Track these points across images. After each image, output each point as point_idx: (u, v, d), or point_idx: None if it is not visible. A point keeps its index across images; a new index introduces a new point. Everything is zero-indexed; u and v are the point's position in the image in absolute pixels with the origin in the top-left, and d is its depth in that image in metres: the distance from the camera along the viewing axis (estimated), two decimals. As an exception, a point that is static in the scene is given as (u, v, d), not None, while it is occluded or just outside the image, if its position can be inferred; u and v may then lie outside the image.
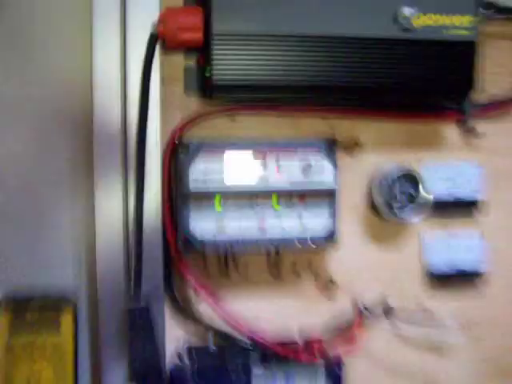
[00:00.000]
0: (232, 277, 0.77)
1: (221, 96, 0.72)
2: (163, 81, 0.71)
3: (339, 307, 0.80)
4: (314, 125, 0.78)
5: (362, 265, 0.80)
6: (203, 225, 0.73)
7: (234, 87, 0.68)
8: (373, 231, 0.81)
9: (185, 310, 0.76)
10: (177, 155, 0.72)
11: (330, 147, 0.78)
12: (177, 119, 0.74)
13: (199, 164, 0.74)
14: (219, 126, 0.76)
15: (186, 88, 0.75)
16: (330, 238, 0.75)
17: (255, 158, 0.76)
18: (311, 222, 0.75)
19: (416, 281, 0.82)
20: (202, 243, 0.72)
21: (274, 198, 0.77)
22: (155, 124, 0.70)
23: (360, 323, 0.79)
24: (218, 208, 0.76)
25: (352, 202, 0.80)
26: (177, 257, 0.74)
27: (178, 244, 0.75)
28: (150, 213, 0.71)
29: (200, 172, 0.75)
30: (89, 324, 0.72)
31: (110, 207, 0.71)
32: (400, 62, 0.70)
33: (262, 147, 0.73)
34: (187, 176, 0.74)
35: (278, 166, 0.76)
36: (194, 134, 0.74)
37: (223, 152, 0.72)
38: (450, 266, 0.82)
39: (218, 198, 0.73)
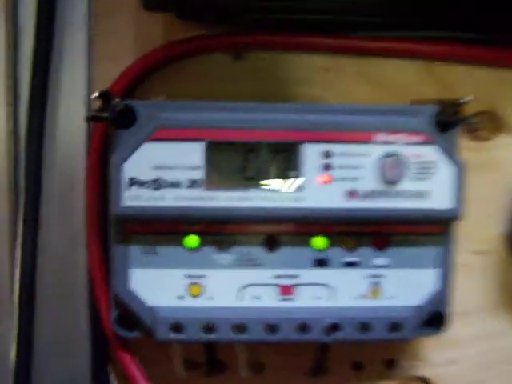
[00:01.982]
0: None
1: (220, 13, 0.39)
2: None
3: None
4: (405, 74, 0.42)
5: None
6: (160, 282, 0.37)
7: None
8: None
9: None
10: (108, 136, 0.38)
11: (444, 126, 0.36)
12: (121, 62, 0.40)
13: (152, 154, 0.35)
14: (206, 73, 0.42)
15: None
16: (439, 323, 0.38)
17: (273, 149, 0.35)
18: (399, 290, 0.38)
19: None
20: (159, 320, 0.37)
21: (318, 238, 0.36)
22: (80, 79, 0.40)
23: None
24: (190, 244, 0.36)
25: (481, 237, 0.41)
26: (114, 341, 0.40)
27: (112, 320, 0.37)
28: (63, 258, 0.41)
29: (152, 171, 0.34)
30: None
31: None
32: None
33: (293, 125, 0.36)
34: (121, 180, 0.33)
35: (328, 168, 0.35)
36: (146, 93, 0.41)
37: (206, 133, 0.35)
38: None
39: (190, 227, 0.37)
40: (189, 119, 0.34)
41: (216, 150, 0.35)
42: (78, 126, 0.40)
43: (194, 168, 0.34)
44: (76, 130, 0.41)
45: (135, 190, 0.34)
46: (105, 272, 0.39)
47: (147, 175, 0.34)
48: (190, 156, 0.34)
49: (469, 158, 0.37)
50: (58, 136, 0.41)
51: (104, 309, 0.39)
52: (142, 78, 0.40)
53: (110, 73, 0.40)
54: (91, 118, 0.34)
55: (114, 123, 0.35)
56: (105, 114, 0.34)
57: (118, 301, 0.37)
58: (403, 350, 0.44)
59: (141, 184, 0.34)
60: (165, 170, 0.34)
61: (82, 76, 0.41)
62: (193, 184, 0.34)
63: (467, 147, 0.40)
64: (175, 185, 0.34)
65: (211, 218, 0.35)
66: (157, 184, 0.34)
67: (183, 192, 0.34)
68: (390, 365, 0.44)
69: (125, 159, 0.34)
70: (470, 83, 0.42)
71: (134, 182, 0.34)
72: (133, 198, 0.34)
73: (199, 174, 0.35)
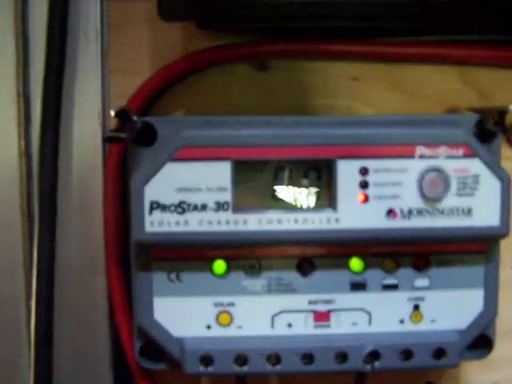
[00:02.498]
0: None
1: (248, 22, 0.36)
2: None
3: None
4: (438, 81, 0.40)
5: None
6: (187, 312, 0.35)
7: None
8: None
9: None
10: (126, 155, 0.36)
11: (486, 136, 0.34)
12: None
13: (175, 175, 0.32)
14: (229, 85, 0.39)
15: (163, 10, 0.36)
16: (486, 346, 0.37)
17: (305, 166, 0.33)
18: (441, 313, 0.35)
19: None
20: (187, 352, 0.34)
21: (355, 260, 0.34)
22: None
23: None
24: (218, 270, 0.34)
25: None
26: (137, 374, 0.38)
27: (136, 351, 0.35)
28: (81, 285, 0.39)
29: (175, 193, 0.32)
30: None
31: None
32: None
33: (326, 140, 0.33)
34: (143, 203, 0.31)
35: (365, 186, 0.33)
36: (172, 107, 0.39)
37: (233, 151, 0.33)
38: None
39: (217, 252, 0.34)
40: (213, 136, 0.32)
41: (243, 170, 0.32)
42: (94, 145, 0.38)
43: (220, 189, 0.32)
44: (91, 149, 0.38)
45: (158, 215, 0.32)
46: (126, 299, 0.37)
47: (170, 198, 0.32)
48: (215, 176, 0.32)
49: (509, 168, 0.34)
50: (72, 156, 0.38)
51: (127, 339, 0.37)
52: (161, 92, 0.38)
53: (126, 87, 0.38)
54: (109, 139, 0.32)
55: (134, 142, 0.33)
56: (123, 134, 0.32)
57: (142, 331, 0.35)
58: (443, 372, 0.42)
59: (164, 208, 0.32)
60: (189, 192, 0.32)
61: (96, 91, 0.38)
62: (219, 207, 0.32)
63: (507, 157, 0.38)
64: (200, 208, 0.32)
65: (239, 242, 0.33)
66: (181, 207, 0.32)
67: (209, 215, 0.32)
68: (430, 389, 0.42)
69: (146, 181, 0.32)
70: (509, 89, 0.39)
71: (156, 205, 0.32)
72: (155, 223, 0.32)
73: (226, 196, 0.32)
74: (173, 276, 0.34)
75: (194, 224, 0.32)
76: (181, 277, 0.34)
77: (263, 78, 0.39)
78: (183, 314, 0.34)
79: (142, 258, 0.34)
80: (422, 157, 0.32)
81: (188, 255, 0.34)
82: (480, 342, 0.36)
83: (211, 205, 0.32)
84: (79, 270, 0.39)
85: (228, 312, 0.34)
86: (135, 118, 0.32)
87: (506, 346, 0.40)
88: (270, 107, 0.38)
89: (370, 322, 0.35)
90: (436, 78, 0.40)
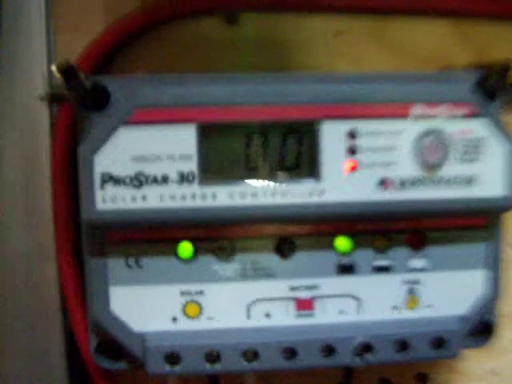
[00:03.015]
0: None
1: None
2: None
3: None
4: (430, 36, 0.36)
5: None
6: (149, 302, 0.30)
7: None
8: None
9: None
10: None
11: (492, 93, 0.29)
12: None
13: (130, 142, 0.27)
14: (195, 41, 0.34)
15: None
16: (487, 333, 0.33)
17: (283, 130, 0.28)
18: (441, 298, 0.31)
19: None
20: (150, 349, 0.30)
21: (342, 239, 0.29)
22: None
23: None
24: (184, 253, 0.29)
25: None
26: (95, 374, 0.33)
27: (92, 349, 0.30)
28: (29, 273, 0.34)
29: (131, 164, 0.27)
30: None
31: None
32: None
33: (307, 99, 0.28)
34: (93, 176, 0.26)
35: (353, 152, 0.28)
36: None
37: (198, 112, 0.28)
38: None
39: (182, 232, 0.30)
40: (175, 96, 0.27)
41: (211, 135, 0.27)
42: (38, 109, 0.33)
43: (183, 158, 0.27)
44: (37, 117, 0.33)
45: (111, 189, 0.27)
46: (81, 289, 0.32)
47: (125, 169, 0.27)
48: (177, 143, 0.27)
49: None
50: (15, 125, 0.33)
51: (82, 335, 0.32)
52: (115, 50, 0.33)
53: (77, 47, 0.32)
54: (51, 98, 0.27)
55: (82, 105, 0.28)
56: (68, 93, 0.27)
57: (97, 326, 0.30)
58: (437, 362, 0.38)
59: (117, 181, 0.27)
60: (147, 161, 0.27)
61: (40, 51, 0.33)
62: (183, 178, 0.27)
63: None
64: (161, 180, 0.27)
65: (208, 221, 0.28)
66: (138, 180, 0.27)
67: (172, 189, 0.27)
68: (423, 380, 0.38)
69: (96, 150, 0.27)
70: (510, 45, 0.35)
71: (108, 178, 0.27)
72: (108, 200, 0.27)
73: (191, 166, 0.27)
74: (131, 261, 0.29)
75: (154, 199, 0.27)
76: (140, 262, 0.29)
77: (233, 33, 0.34)
78: (144, 305, 0.29)
79: (95, 240, 0.29)
80: (417, 117, 0.28)
81: (148, 237, 0.29)
82: (482, 329, 0.32)
83: (173, 176, 0.27)
84: (26, 257, 0.34)
85: (196, 302, 0.30)
86: (83, 75, 0.27)
87: (507, 332, 0.37)
88: (241, 67, 0.33)
89: (359, 310, 0.30)
90: (429, 33, 0.35)
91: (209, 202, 0.27)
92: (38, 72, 0.33)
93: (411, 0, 0.34)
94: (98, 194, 0.27)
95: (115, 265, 0.29)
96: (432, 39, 0.35)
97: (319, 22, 0.34)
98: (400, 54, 0.35)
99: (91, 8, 0.33)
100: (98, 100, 0.28)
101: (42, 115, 0.33)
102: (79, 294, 0.33)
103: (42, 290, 0.34)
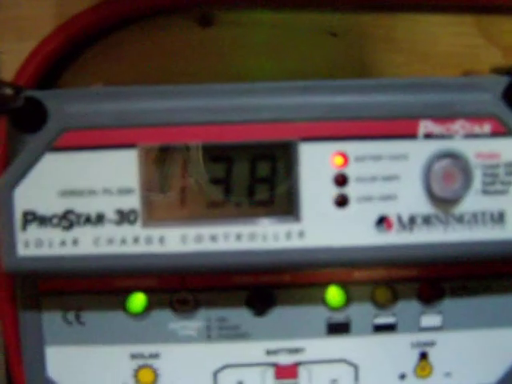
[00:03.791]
0: None
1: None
2: None
3: None
4: (449, 36, 0.30)
5: None
6: (92, 367, 0.24)
7: None
8: None
9: None
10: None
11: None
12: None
13: (57, 171, 0.22)
14: (161, 46, 0.29)
15: None
16: None
17: (252, 154, 0.22)
18: (459, 364, 0.25)
19: None
20: None
21: (333, 290, 0.24)
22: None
23: None
24: (134, 307, 0.23)
25: None
26: None
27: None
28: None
29: (59, 199, 0.22)
30: None
31: None
32: None
33: (285, 114, 0.22)
34: (13, 215, 0.21)
35: (342, 182, 0.22)
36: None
37: (140, 133, 0.22)
38: None
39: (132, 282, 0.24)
40: (112, 114, 0.21)
41: (157, 162, 0.21)
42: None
43: (123, 192, 0.21)
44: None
45: (35, 231, 0.21)
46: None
47: (52, 206, 0.21)
48: (115, 173, 0.21)
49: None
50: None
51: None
52: (65, 58, 0.28)
53: (22, 54, 0.27)
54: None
55: (14, 124, 0.23)
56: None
57: (32, 394, 0.24)
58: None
59: (43, 220, 0.21)
60: (78, 196, 0.21)
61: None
62: (123, 218, 0.21)
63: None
64: (96, 220, 0.21)
65: (154, 270, 0.22)
66: (67, 220, 0.21)
67: (109, 231, 0.21)
68: None
69: (17, 182, 0.21)
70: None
71: (32, 217, 0.21)
72: (31, 244, 0.21)
73: (132, 202, 0.21)
74: (70, 316, 0.24)
75: (87, 244, 0.21)
76: (82, 317, 0.24)
77: (206, 35, 0.28)
78: (88, 370, 0.24)
79: (27, 291, 0.24)
80: (428, 136, 0.22)
81: (90, 287, 0.24)
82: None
83: (111, 215, 0.21)
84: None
85: (151, 367, 0.24)
86: (11, 90, 0.22)
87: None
88: (215, 74, 0.28)
89: (356, 379, 0.24)
90: (447, 32, 0.29)
91: (155, 248, 0.21)
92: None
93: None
94: (20, 236, 0.22)
95: (52, 320, 0.24)
96: (451, 39, 0.29)
97: (312, 20, 0.29)
98: (411, 57, 0.29)
99: (39, 14, 0.28)
100: (33, 119, 0.23)
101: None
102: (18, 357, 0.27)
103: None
